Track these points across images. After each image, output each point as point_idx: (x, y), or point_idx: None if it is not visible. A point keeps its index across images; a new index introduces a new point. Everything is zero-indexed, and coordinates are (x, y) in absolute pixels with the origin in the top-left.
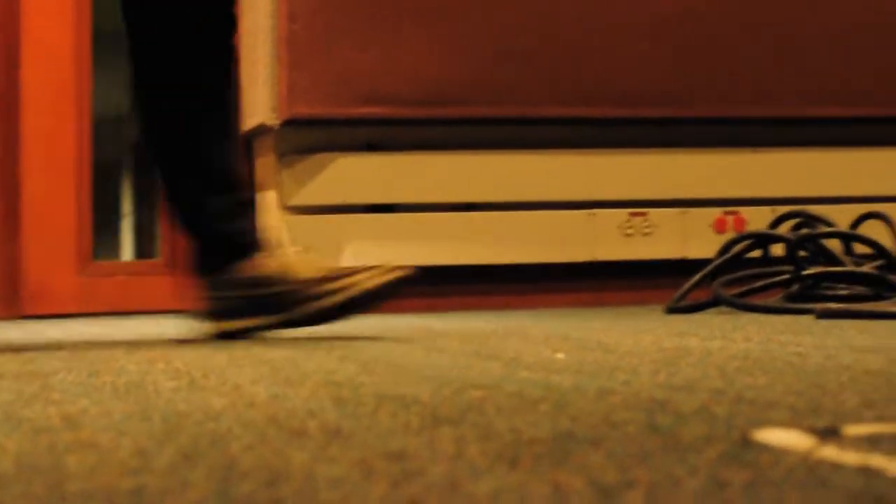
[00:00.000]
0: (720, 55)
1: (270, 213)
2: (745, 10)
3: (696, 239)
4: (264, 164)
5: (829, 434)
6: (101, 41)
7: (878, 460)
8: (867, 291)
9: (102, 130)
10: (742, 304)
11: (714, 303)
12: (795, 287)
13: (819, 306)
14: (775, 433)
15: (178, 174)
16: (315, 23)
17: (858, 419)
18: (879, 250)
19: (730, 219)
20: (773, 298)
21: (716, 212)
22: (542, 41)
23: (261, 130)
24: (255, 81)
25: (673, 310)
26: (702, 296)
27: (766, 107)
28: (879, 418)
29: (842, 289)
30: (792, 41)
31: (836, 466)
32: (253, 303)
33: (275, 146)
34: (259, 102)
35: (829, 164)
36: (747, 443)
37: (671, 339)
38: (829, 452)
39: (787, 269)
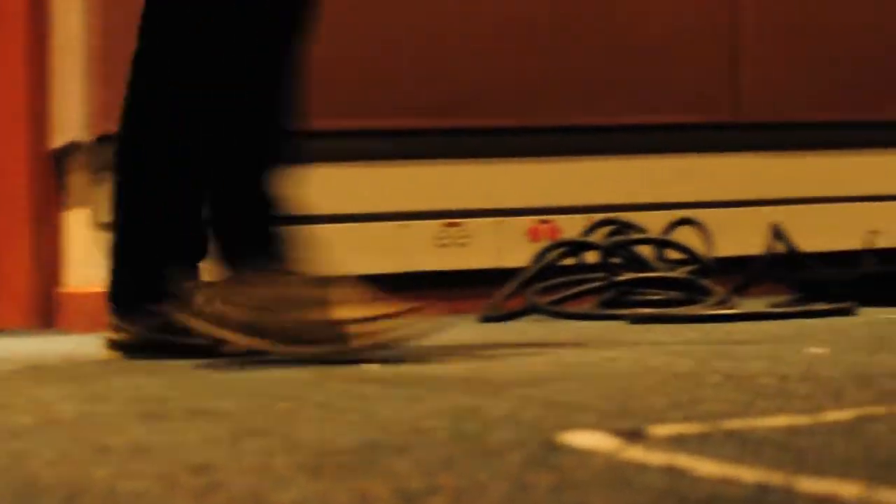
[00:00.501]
0: (533, 65)
1: (83, 230)
2: (558, 20)
3: (511, 248)
4: (77, 182)
5: (635, 436)
6: None
7: (682, 460)
8: (680, 296)
9: None
10: (556, 312)
11: (529, 311)
12: (609, 293)
13: (632, 312)
14: (582, 436)
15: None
16: (129, 39)
17: (664, 420)
18: (691, 255)
19: (544, 227)
20: (588, 305)
21: (530, 220)
22: (355, 51)
23: (73, 147)
24: (67, 97)
25: (488, 318)
26: (517, 304)
27: (580, 115)
28: (685, 419)
29: (654, 294)
30: (603, 51)
31: (642, 467)
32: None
33: (88, 163)
34: (72, 119)
35: (642, 172)
36: (553, 446)
37: (485, 347)
38: (635, 453)
39: (600, 275)
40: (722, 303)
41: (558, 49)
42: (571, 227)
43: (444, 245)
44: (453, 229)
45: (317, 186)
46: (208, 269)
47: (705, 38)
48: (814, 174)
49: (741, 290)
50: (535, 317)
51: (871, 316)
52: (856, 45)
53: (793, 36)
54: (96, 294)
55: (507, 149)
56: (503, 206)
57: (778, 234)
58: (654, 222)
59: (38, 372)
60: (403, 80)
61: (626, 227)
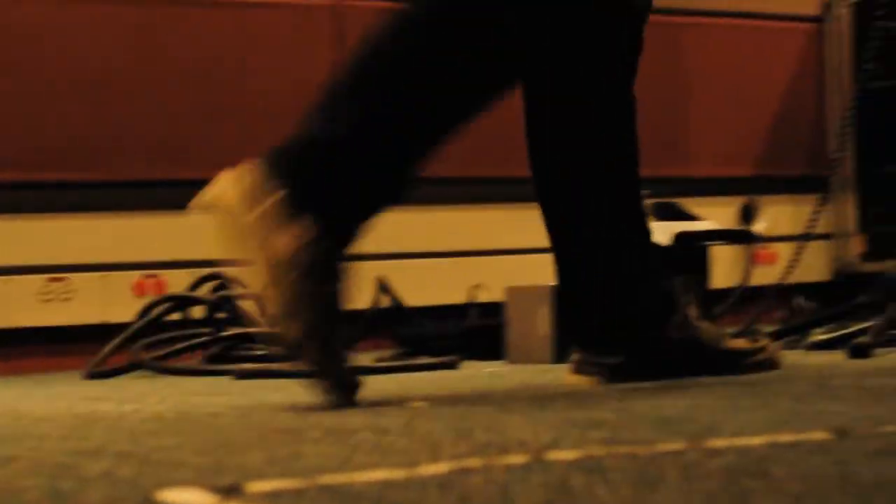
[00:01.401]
0: (135, 119)
1: None
2: (159, 76)
3: (117, 303)
4: None
5: (231, 492)
6: None
7: None
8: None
9: None
10: (161, 367)
11: (133, 367)
12: (215, 348)
13: (238, 367)
14: (179, 493)
15: None
16: None
17: (262, 476)
18: None
19: (150, 282)
20: (194, 360)
21: (136, 275)
22: None
23: None
24: None
25: (92, 375)
26: (122, 360)
27: (185, 170)
28: (283, 474)
29: (260, 349)
30: (209, 107)
31: None
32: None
33: None
34: None
35: None
36: None
37: (86, 403)
38: None
39: (206, 330)
40: None
41: (161, 105)
42: (178, 281)
43: (47, 300)
44: (57, 284)
45: None
46: None
47: (309, 95)
48: (419, 228)
49: (347, 344)
50: (140, 373)
51: (474, 369)
52: None
53: None
54: None
55: (113, 203)
56: (108, 260)
57: (384, 288)
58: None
59: None
60: (10, 132)
61: (231, 281)
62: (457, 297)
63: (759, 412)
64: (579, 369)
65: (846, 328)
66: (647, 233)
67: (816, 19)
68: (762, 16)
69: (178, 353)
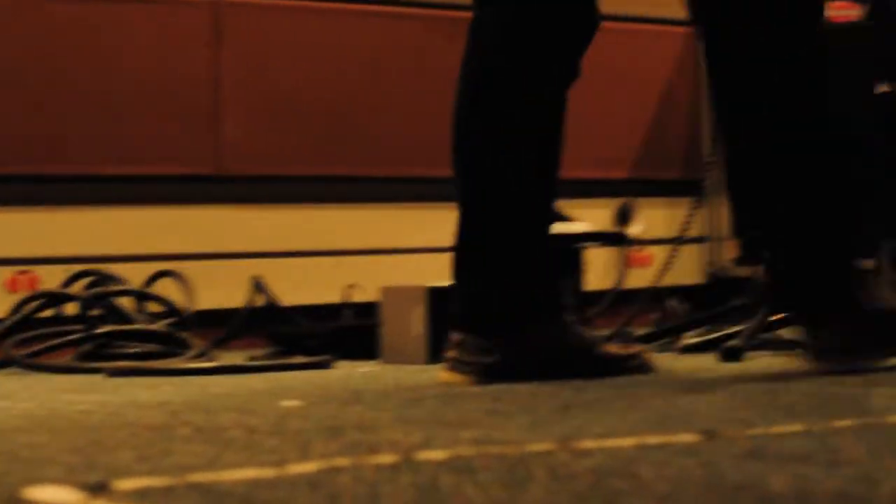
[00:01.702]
0: (7, 114)
1: None
2: (37, 70)
3: None
4: None
5: (99, 489)
6: None
7: None
8: (159, 349)
9: None
10: (32, 365)
11: (5, 364)
12: (87, 346)
13: (110, 365)
14: (46, 490)
15: None
16: None
17: (131, 474)
18: (171, 308)
19: (22, 278)
20: (66, 358)
21: (8, 271)
22: None
23: None
24: None
25: None
26: None
27: (60, 165)
28: (151, 472)
29: (134, 347)
30: (83, 102)
31: None
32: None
33: None
34: None
35: (123, 223)
36: (17, 501)
37: None
38: None
39: (79, 328)
40: (200, 356)
41: (35, 99)
42: (51, 278)
43: None
44: None
45: None
46: None
47: (187, 92)
48: (294, 228)
49: (222, 343)
50: (11, 370)
51: (348, 369)
52: (330, 104)
53: (271, 93)
54: None
55: None
56: None
57: (259, 287)
58: (134, 274)
59: None
60: None
61: (106, 278)
62: (332, 296)
63: (629, 414)
64: (454, 367)
65: (718, 331)
66: (546, 235)
67: (693, 22)
68: (638, 19)
69: (50, 350)
